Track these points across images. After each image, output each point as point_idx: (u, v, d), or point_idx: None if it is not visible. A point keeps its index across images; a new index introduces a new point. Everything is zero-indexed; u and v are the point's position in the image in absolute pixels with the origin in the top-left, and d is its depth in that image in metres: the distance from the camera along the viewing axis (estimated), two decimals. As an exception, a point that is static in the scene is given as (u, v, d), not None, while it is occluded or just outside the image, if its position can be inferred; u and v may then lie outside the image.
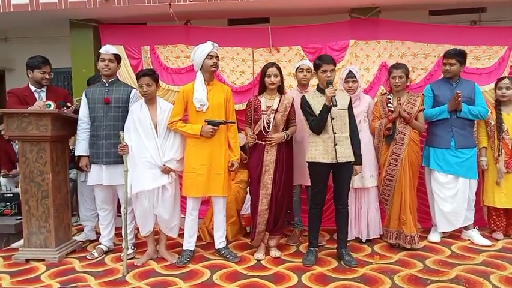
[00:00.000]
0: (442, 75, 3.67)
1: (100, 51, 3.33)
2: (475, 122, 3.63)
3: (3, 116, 3.22)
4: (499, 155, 3.56)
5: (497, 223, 3.67)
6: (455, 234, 3.69)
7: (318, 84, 3.16)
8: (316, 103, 3.06)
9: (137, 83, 3.15)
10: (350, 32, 4.30)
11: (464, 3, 4.51)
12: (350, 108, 3.13)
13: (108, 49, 3.31)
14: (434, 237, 3.62)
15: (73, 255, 3.39)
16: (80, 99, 3.47)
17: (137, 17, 4.60)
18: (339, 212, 3.19)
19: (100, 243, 3.47)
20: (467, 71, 4.03)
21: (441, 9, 4.79)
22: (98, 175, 3.28)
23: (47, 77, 3.48)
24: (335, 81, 3.16)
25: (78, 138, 3.34)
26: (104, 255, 3.39)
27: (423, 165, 3.67)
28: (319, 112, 3.02)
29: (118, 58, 3.36)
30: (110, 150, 3.21)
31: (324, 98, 3.01)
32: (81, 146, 3.32)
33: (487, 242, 3.49)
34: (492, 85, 3.86)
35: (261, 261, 3.19)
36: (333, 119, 3.02)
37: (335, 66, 3.13)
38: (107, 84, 3.33)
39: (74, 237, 3.67)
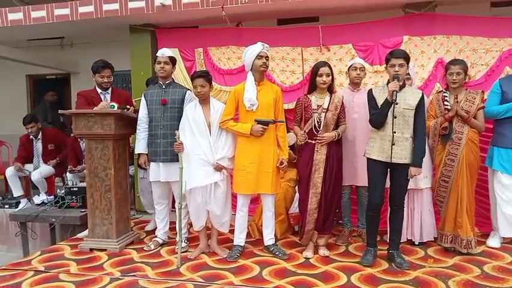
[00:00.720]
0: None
1: (157, 54, 3.52)
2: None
3: (71, 116, 3.51)
4: None
5: None
6: (518, 240, 3.47)
7: (388, 79, 3.08)
8: (381, 97, 3.00)
9: (192, 84, 3.29)
10: (404, 28, 4.16)
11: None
12: (419, 107, 2.98)
13: (164, 52, 3.49)
14: (494, 242, 3.43)
15: (131, 247, 3.62)
16: (139, 100, 3.69)
17: (191, 20, 4.78)
18: (393, 212, 3.13)
19: (156, 236, 3.68)
20: (535, 66, 3.77)
21: (504, 0, 4.49)
22: (156, 172, 3.47)
23: (106, 80, 3.72)
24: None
25: (138, 137, 3.55)
26: (159, 248, 3.58)
27: (485, 166, 3.50)
28: (380, 106, 2.97)
29: (173, 60, 3.53)
30: (167, 148, 3.38)
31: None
32: (140, 145, 3.53)
33: (553, 249, 3.26)
34: None
35: (310, 260, 3.21)
36: (395, 117, 2.92)
37: (407, 61, 3.00)
38: (163, 86, 3.51)
39: (145, 228, 3.93)
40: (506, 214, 3.33)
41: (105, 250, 3.49)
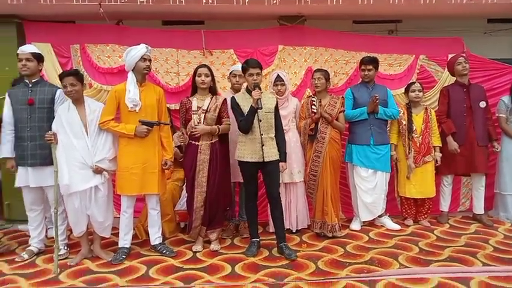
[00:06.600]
0: (360, 80, 4.09)
1: (18, 51, 3.23)
2: (388, 121, 4.09)
3: None
4: (409, 152, 4.04)
5: (408, 211, 4.17)
6: (372, 222, 4.10)
7: (246, 86, 3.34)
8: (245, 104, 3.25)
9: (61, 83, 3.11)
10: (279, 38, 4.55)
11: (382, 16, 4.99)
12: (276, 109, 3.35)
13: (24, 49, 3.24)
14: (355, 225, 4.02)
15: (1, 259, 3.26)
16: (3, 98, 3.33)
17: (66, 15, 4.45)
18: (272, 205, 3.39)
19: (29, 245, 3.36)
20: (381, 77, 4.49)
21: (364, 20, 5.20)
22: (24, 177, 3.19)
23: None
24: (264, 84, 3.36)
25: (2, 140, 3.23)
26: (35, 257, 3.30)
27: (345, 161, 4.05)
28: (247, 113, 3.21)
29: (37, 57, 3.27)
30: (36, 151, 3.15)
31: (251, 99, 3.20)
32: (6, 148, 3.21)
33: (397, 227, 3.98)
34: (403, 89, 4.34)
35: (197, 255, 3.32)
36: (260, 121, 3.22)
37: (261, 69, 3.32)
38: (30, 85, 3.24)
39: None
40: (365, 202, 3.92)
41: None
